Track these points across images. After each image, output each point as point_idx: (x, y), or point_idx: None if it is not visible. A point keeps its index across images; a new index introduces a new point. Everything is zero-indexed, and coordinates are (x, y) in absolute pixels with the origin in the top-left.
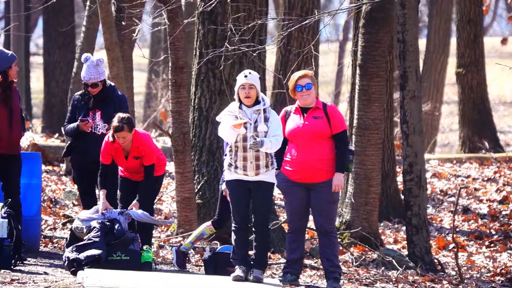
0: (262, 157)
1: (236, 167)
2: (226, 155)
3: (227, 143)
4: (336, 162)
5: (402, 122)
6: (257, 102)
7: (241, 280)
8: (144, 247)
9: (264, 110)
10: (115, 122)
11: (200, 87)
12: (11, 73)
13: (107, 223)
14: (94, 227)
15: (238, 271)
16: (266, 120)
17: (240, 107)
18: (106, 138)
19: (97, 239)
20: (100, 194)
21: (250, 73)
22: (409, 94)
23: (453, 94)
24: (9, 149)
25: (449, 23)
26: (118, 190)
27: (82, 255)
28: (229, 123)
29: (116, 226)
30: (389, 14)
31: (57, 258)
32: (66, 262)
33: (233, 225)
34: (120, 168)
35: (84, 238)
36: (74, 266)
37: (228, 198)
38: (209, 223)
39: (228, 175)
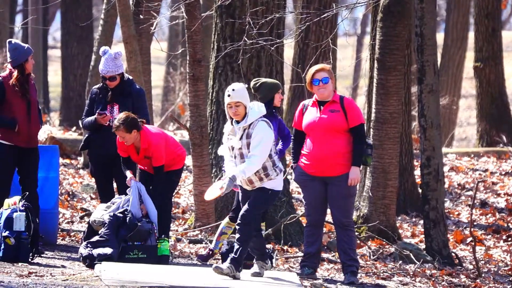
0: (252, 175)
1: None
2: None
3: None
4: (353, 156)
5: (420, 116)
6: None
7: (259, 275)
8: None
9: (250, 125)
10: (115, 121)
11: (218, 80)
12: (27, 66)
13: (119, 214)
14: (105, 223)
15: (255, 267)
16: (248, 136)
17: (232, 123)
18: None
19: (108, 237)
20: (127, 173)
21: (233, 90)
22: (427, 88)
23: (470, 88)
24: (28, 142)
25: (467, 17)
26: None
27: (95, 252)
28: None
29: (128, 217)
30: (406, 8)
31: (75, 251)
32: (81, 257)
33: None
34: None
35: (99, 232)
36: (88, 262)
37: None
38: (227, 219)
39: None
